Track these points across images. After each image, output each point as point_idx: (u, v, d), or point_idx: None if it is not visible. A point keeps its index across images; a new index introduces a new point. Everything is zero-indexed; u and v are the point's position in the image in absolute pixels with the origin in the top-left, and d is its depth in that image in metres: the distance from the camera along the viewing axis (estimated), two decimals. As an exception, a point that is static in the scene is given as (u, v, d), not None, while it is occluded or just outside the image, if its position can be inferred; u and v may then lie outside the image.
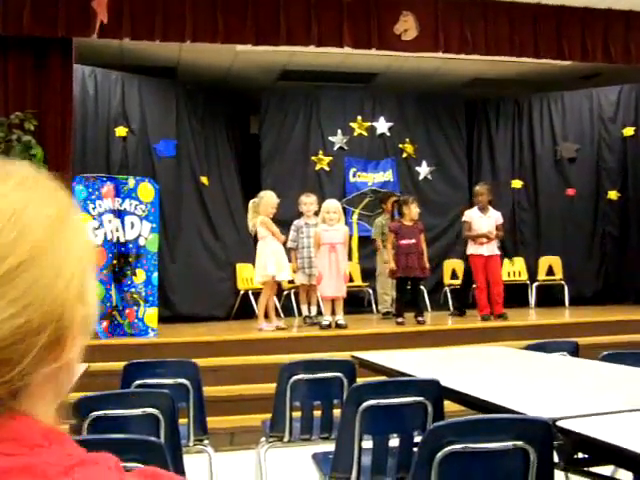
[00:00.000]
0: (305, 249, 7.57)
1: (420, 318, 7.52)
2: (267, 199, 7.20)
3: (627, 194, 10.01)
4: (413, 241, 7.50)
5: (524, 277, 9.86)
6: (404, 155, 10.23)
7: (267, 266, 7.04)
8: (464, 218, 8.08)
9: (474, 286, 8.17)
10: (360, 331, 7.09)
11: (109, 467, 0.58)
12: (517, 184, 10.43)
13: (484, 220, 7.87)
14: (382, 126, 10.16)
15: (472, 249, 7.88)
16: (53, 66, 7.29)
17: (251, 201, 7.36)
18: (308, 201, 7.72)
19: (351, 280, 8.56)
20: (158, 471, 0.61)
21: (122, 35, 7.24)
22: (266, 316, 7.26)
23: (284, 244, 7.38)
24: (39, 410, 0.61)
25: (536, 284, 9.78)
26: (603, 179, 10.15)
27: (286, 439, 3.37)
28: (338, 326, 7.07)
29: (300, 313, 8.25)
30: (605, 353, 3.53)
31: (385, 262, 8.27)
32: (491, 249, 7.84)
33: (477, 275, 7.86)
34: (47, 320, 0.57)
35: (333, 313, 7.20)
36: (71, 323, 0.59)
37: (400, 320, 7.44)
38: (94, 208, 6.76)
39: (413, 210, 7.60)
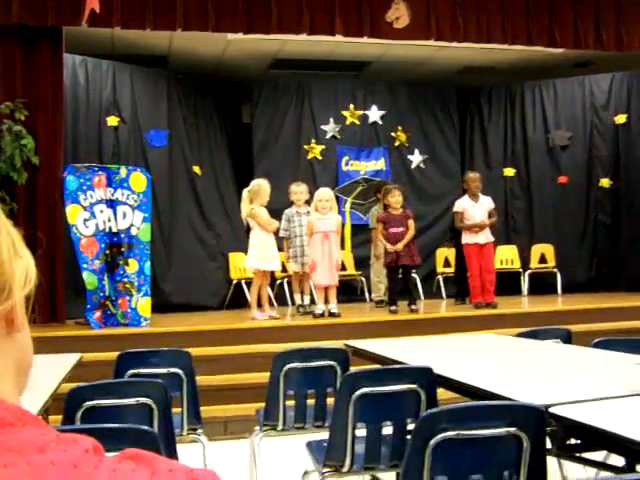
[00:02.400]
0: (297, 238, 7.57)
1: (413, 306, 7.53)
2: (264, 188, 7.16)
3: (619, 182, 10.03)
4: (401, 229, 7.51)
5: (517, 265, 9.88)
6: (396, 143, 10.22)
7: (253, 256, 7.05)
8: (455, 208, 8.06)
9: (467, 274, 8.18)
10: (353, 319, 7.10)
11: (86, 449, 0.57)
12: (510, 172, 10.44)
13: (476, 208, 7.87)
14: (374, 114, 10.14)
15: (467, 238, 7.85)
16: (43, 55, 7.25)
17: (245, 190, 7.32)
18: (298, 190, 7.71)
19: (344, 269, 8.57)
20: (140, 452, 0.61)
21: (113, 24, 7.20)
22: (260, 305, 7.26)
23: (276, 233, 7.37)
24: (3, 390, 0.61)
25: (529, 272, 9.80)
26: (595, 167, 10.16)
27: (280, 428, 3.38)
28: (331, 315, 7.08)
29: (293, 302, 8.26)
30: (597, 340, 3.55)
31: (376, 255, 8.32)
32: (486, 237, 7.84)
33: (471, 263, 7.86)
34: None
35: (326, 302, 7.21)
36: (11, 271, 0.62)
37: (393, 308, 7.45)
38: (85, 199, 6.74)
39: (392, 199, 7.60)
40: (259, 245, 7.03)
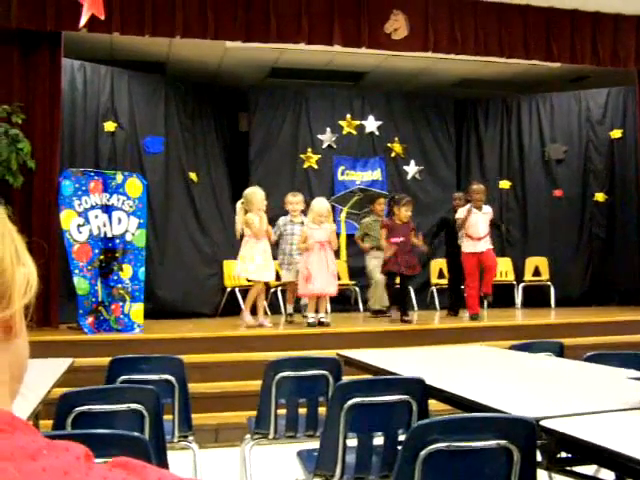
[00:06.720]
0: (287, 246, 7.57)
1: (405, 317, 7.52)
2: (257, 195, 7.13)
3: (614, 196, 10.06)
4: (402, 239, 7.50)
5: (511, 277, 9.90)
6: (393, 154, 10.24)
7: (254, 267, 7.04)
8: (458, 215, 8.00)
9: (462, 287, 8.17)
10: (346, 329, 7.09)
11: (77, 457, 0.57)
12: (505, 185, 10.47)
13: (480, 217, 7.81)
14: (371, 125, 10.16)
15: (468, 247, 7.81)
16: (42, 60, 7.25)
17: (238, 202, 7.27)
18: (294, 200, 7.68)
19: (338, 278, 8.56)
20: (131, 460, 0.61)
21: (112, 29, 7.20)
22: (254, 314, 7.25)
23: (274, 242, 7.37)
24: None
25: (522, 284, 9.81)
26: (590, 181, 10.20)
27: (271, 436, 3.37)
28: (321, 324, 7.06)
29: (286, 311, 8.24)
30: (589, 354, 3.55)
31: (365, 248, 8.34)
32: (486, 244, 7.79)
33: (469, 274, 7.80)
34: None
35: (317, 311, 7.19)
36: (12, 279, 0.61)
37: (407, 318, 7.41)
38: (80, 204, 6.72)
39: (403, 212, 7.58)
40: (253, 256, 7.02)
